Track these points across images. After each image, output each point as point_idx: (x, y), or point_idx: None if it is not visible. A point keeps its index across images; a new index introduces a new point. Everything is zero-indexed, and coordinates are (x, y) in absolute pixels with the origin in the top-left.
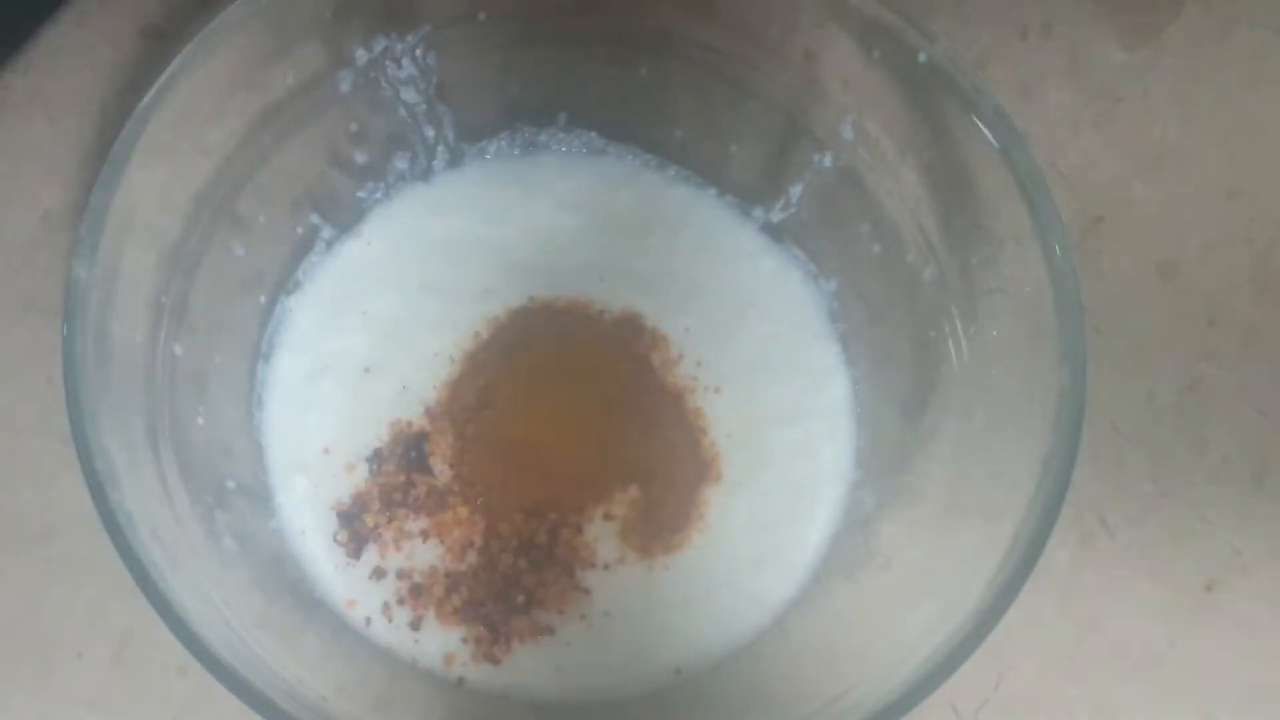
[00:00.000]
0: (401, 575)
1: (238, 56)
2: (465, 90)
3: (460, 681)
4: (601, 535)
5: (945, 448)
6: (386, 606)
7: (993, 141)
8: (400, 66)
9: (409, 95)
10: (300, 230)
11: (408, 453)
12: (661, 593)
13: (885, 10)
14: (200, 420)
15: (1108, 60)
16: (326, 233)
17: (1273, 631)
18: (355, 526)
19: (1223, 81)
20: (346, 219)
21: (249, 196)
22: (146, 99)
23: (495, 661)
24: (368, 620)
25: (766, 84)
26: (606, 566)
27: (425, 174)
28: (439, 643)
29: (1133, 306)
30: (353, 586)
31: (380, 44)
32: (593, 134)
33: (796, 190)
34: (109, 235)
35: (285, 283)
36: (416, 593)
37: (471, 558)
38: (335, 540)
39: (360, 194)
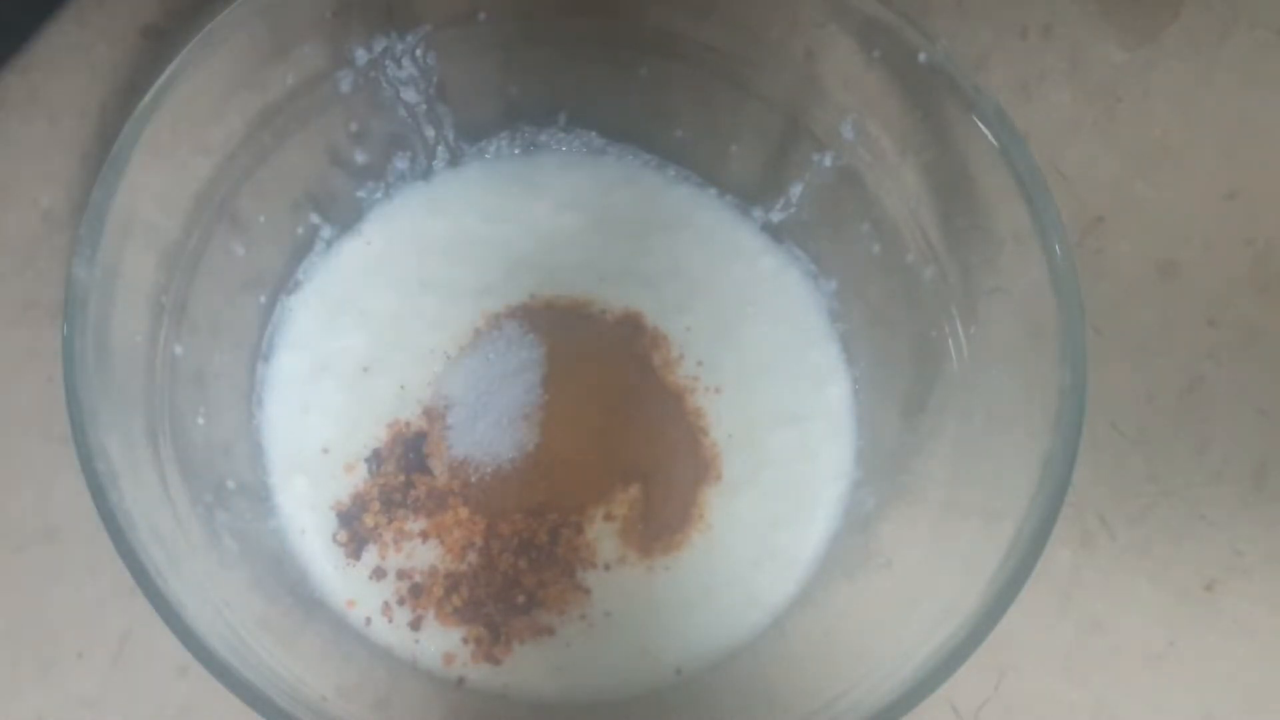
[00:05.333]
0: (401, 575)
1: (238, 56)
2: (465, 90)
3: (460, 681)
4: (602, 535)
5: (945, 448)
6: (386, 606)
7: (993, 141)
8: (400, 66)
9: (409, 95)
10: (300, 230)
11: (406, 453)
12: (661, 593)
13: (885, 10)
14: (200, 420)
15: (1108, 60)
16: (326, 232)
17: (1273, 631)
18: (355, 526)
19: (1223, 81)
20: (346, 218)
21: (249, 196)
22: (146, 99)
23: (495, 661)
24: (368, 620)
25: (766, 84)
26: (607, 566)
27: (425, 173)
28: (439, 643)
29: (1133, 306)
30: (353, 586)
31: (380, 44)
32: (593, 134)
33: (796, 190)
34: (109, 235)
35: (285, 283)
36: (416, 593)
37: (471, 558)
38: (335, 540)
39: (360, 193)
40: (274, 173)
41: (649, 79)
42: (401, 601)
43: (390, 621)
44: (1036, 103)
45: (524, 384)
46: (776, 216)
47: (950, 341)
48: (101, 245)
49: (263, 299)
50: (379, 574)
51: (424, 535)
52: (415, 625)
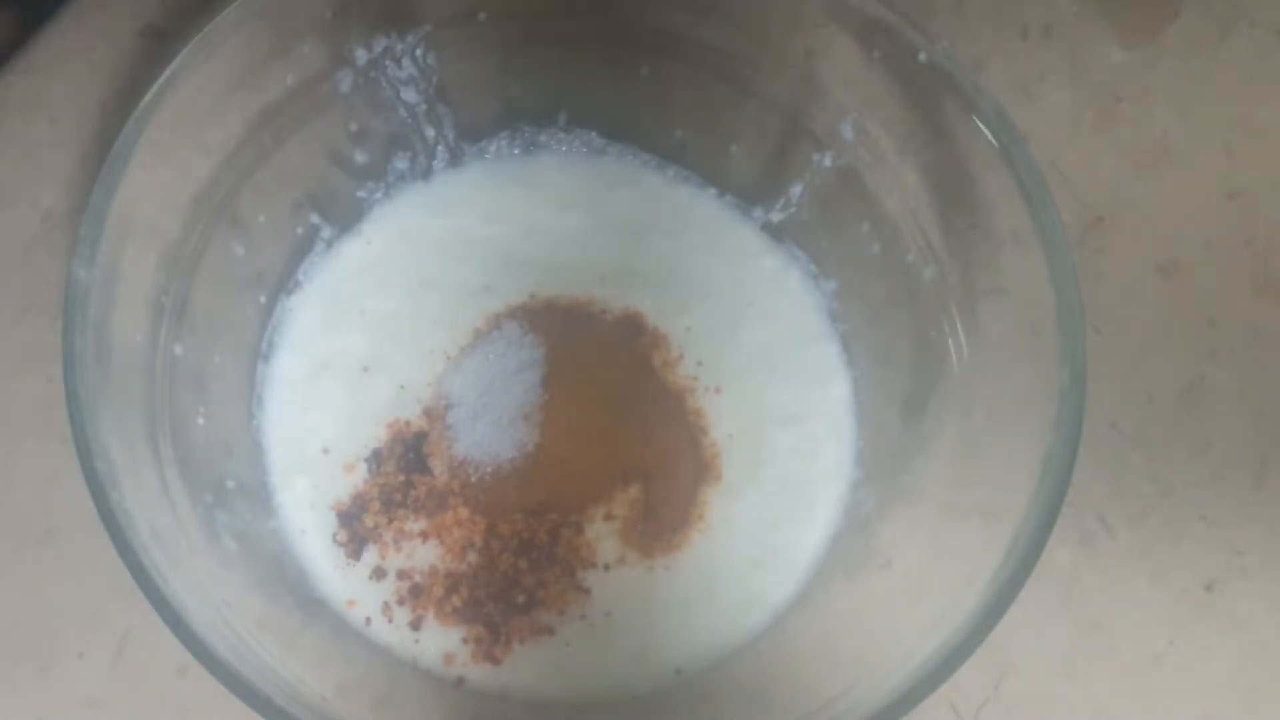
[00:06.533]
0: (401, 575)
1: (238, 56)
2: (465, 90)
3: (460, 681)
4: (602, 535)
5: (945, 448)
6: (386, 606)
7: (993, 141)
8: (400, 66)
9: (409, 95)
10: (300, 230)
11: (406, 453)
12: (661, 593)
13: (885, 10)
14: (200, 420)
15: (1108, 60)
16: (326, 232)
17: (1273, 631)
18: (355, 527)
19: (1223, 81)
20: (346, 218)
21: (249, 196)
22: (146, 99)
23: (495, 661)
24: (368, 620)
25: (766, 84)
26: (607, 566)
27: (425, 173)
28: (439, 643)
29: (1133, 306)
30: (353, 586)
31: (380, 44)
32: (593, 134)
33: (796, 190)
34: (109, 235)
35: (285, 283)
36: (416, 593)
37: (471, 558)
38: (335, 540)
39: (360, 193)
40: (274, 173)
41: (649, 79)
42: (401, 601)
43: (390, 621)
44: (1036, 103)
45: (524, 384)
46: (776, 216)
47: (950, 341)
48: (101, 245)
49: (263, 299)
50: (379, 574)
51: (424, 535)
52: (415, 625)
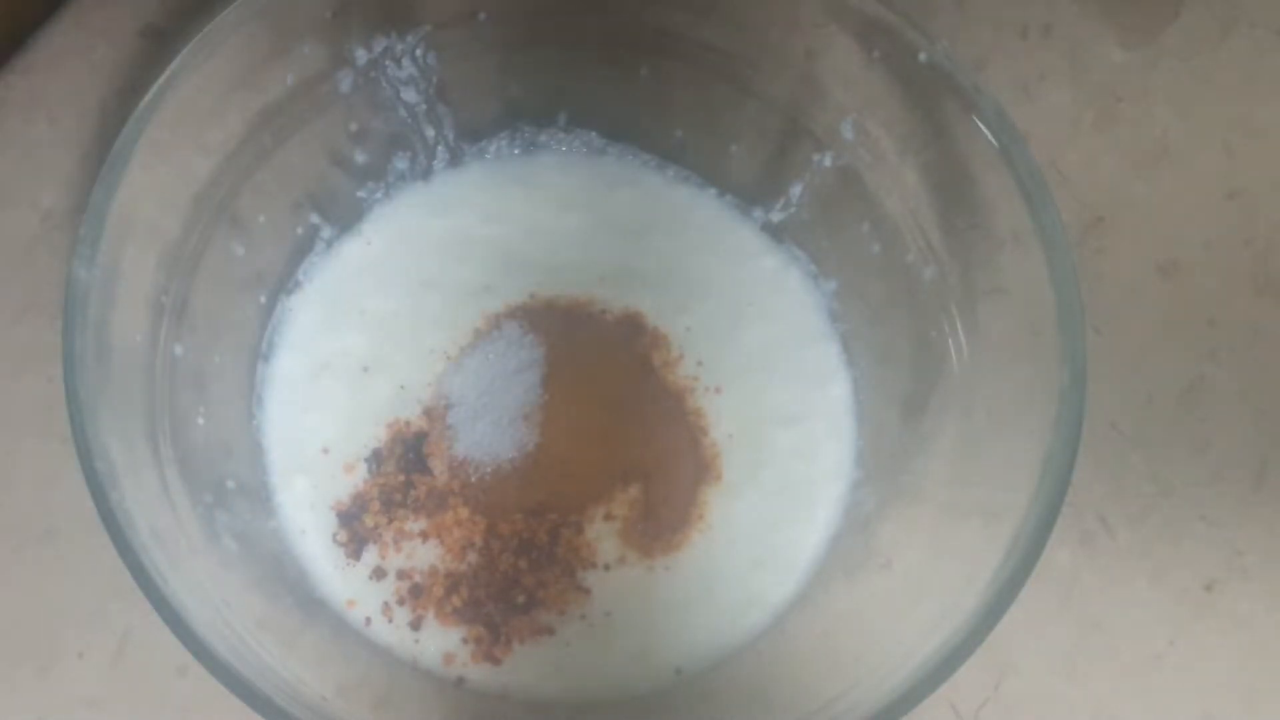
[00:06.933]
0: (401, 575)
1: (238, 56)
2: (465, 90)
3: (460, 681)
4: (602, 535)
5: (945, 448)
6: (386, 606)
7: (993, 141)
8: (400, 66)
9: (409, 95)
10: (300, 230)
11: (406, 453)
12: (661, 593)
13: (885, 10)
14: (200, 420)
15: (1108, 60)
16: (326, 232)
17: (1273, 631)
18: (355, 527)
19: (1223, 81)
20: (346, 218)
21: (249, 196)
22: (146, 99)
23: (495, 661)
24: (368, 620)
25: (766, 84)
26: (607, 566)
27: (425, 174)
28: (439, 643)
29: (1133, 306)
30: (353, 586)
31: (380, 44)
32: (593, 134)
33: (796, 190)
34: (109, 235)
35: (285, 283)
36: (416, 593)
37: (471, 558)
38: (335, 540)
39: (360, 193)
40: (274, 173)
41: (649, 79)
42: (401, 601)
43: (390, 621)
44: (1036, 103)
45: (524, 384)
46: (776, 216)
47: (950, 341)
48: (101, 245)
49: (263, 299)
50: (379, 574)
51: (424, 535)
52: (415, 625)
